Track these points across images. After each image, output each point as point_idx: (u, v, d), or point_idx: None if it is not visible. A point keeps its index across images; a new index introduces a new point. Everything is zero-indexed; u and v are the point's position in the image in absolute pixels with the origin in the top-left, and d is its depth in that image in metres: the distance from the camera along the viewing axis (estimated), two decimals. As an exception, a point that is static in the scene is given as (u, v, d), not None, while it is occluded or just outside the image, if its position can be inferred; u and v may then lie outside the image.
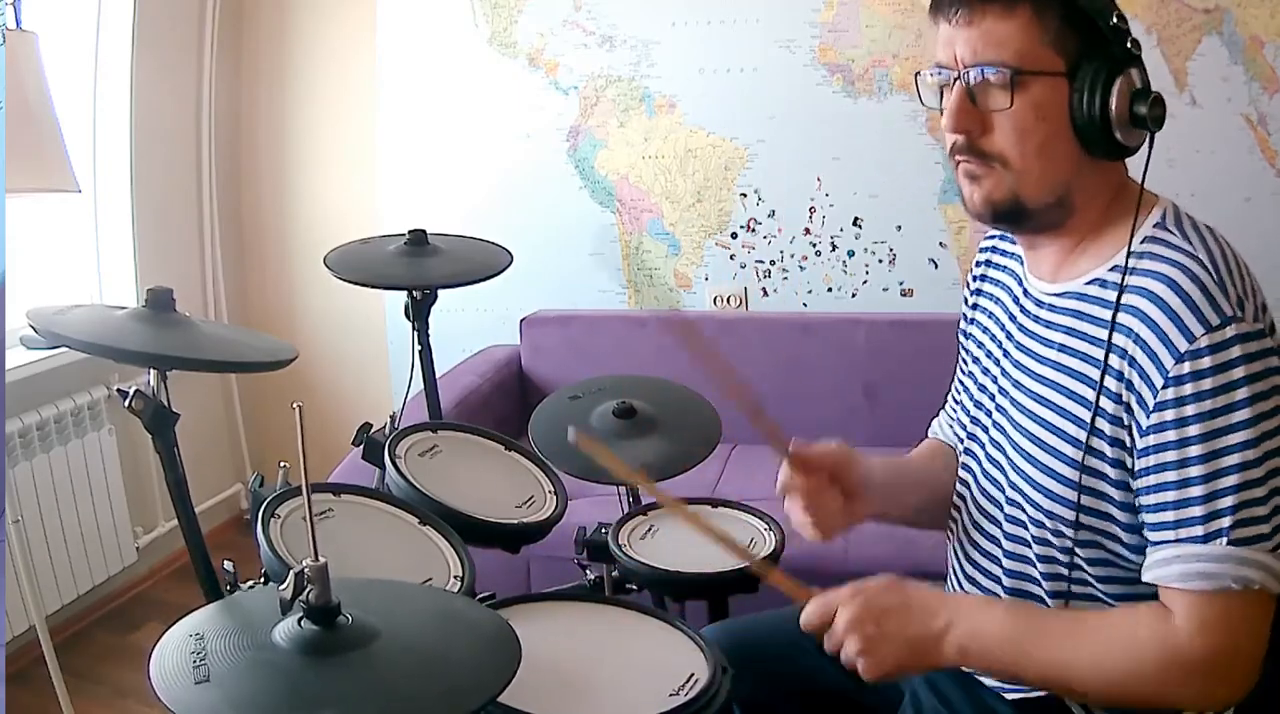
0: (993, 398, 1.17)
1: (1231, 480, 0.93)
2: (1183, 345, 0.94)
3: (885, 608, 1.03)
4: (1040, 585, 1.10)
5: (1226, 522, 0.93)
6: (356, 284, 1.84)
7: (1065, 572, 1.07)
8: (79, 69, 2.71)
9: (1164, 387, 0.95)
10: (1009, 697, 1.13)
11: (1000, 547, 1.14)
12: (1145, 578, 0.99)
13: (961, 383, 1.28)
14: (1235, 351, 0.93)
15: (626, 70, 2.93)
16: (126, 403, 1.35)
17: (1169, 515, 0.96)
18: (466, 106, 3.04)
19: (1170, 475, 0.96)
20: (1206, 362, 0.94)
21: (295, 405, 0.90)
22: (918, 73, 1.12)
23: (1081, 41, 1.00)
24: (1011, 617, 1.04)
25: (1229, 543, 0.93)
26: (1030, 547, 1.09)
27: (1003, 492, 1.13)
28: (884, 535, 1.89)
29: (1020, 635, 1.01)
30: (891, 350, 2.72)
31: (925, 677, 1.21)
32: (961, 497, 1.22)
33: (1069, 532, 1.04)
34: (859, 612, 1.02)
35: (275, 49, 3.17)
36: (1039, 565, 1.09)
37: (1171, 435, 0.95)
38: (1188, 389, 0.94)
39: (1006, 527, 1.13)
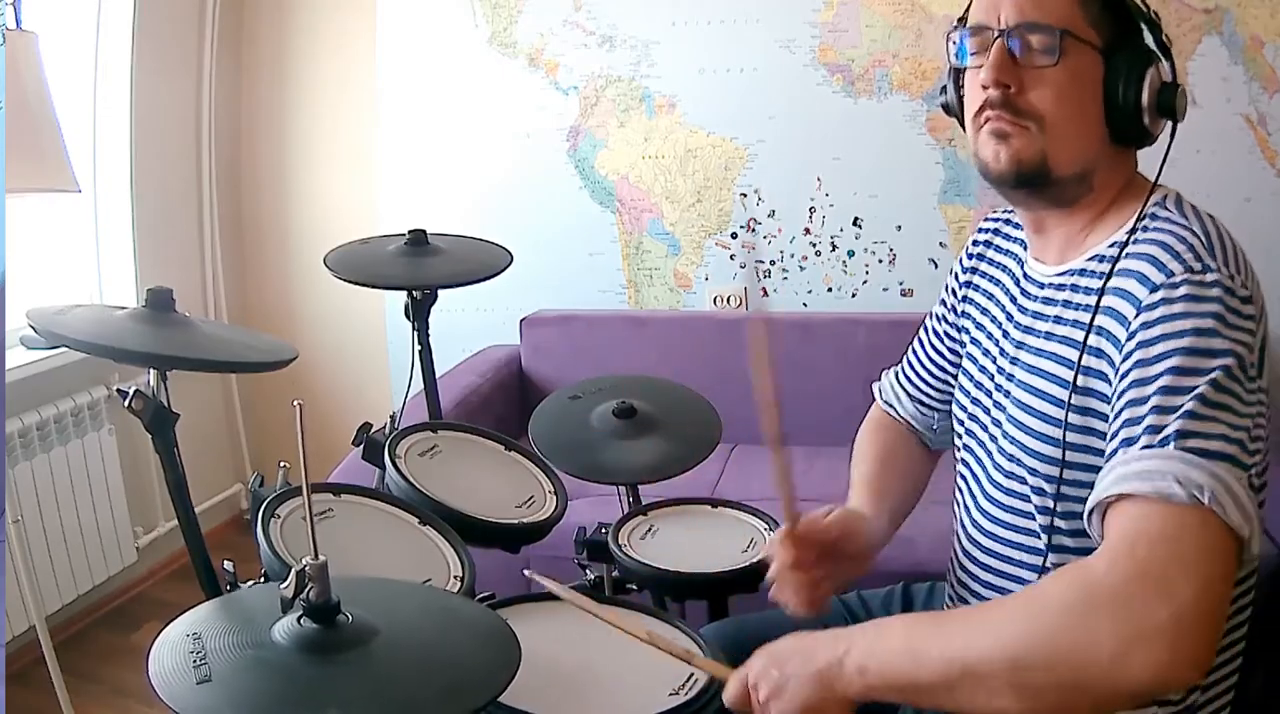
0: (992, 378, 1.17)
1: (1189, 403, 0.87)
2: (1159, 279, 0.94)
3: (788, 653, 0.99)
4: (1046, 558, 1.08)
5: (1174, 427, 0.85)
6: (356, 284, 1.84)
7: (1069, 543, 1.05)
8: (79, 69, 2.71)
9: (1136, 315, 0.94)
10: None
11: (1003, 525, 1.14)
12: (1086, 507, 0.90)
13: (938, 360, 1.32)
14: (1214, 292, 0.91)
15: (626, 70, 2.94)
16: (126, 403, 1.35)
17: (1120, 434, 0.90)
18: (466, 106, 3.04)
19: (1129, 394, 0.91)
20: (1181, 291, 0.92)
21: (295, 403, 0.90)
22: (949, 31, 1.13)
23: (1119, 27, 1.03)
24: (908, 620, 1.02)
25: (1176, 447, 0.84)
26: (1034, 519, 1.09)
27: (1002, 467, 1.13)
28: (884, 535, 1.90)
29: (916, 633, 0.92)
30: (891, 350, 2.68)
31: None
32: (964, 477, 1.22)
33: (1070, 491, 1.03)
34: (764, 663, 0.99)
35: (275, 49, 3.17)
36: (1042, 536, 1.08)
37: (1135, 357, 0.92)
38: (1158, 312, 0.92)
39: (1008, 501, 1.12)
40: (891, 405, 1.42)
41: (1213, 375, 0.87)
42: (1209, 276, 0.92)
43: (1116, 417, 0.92)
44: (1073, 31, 1.01)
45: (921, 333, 1.39)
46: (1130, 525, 0.83)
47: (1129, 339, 0.94)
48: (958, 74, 1.14)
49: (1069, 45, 1.01)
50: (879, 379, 1.47)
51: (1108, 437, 0.94)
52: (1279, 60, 2.58)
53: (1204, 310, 0.90)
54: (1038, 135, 1.03)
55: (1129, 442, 0.88)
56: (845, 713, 0.94)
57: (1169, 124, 1.05)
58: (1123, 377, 0.93)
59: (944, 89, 1.19)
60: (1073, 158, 1.04)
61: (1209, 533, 0.81)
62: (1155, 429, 0.86)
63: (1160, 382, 0.89)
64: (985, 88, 1.04)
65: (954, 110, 1.18)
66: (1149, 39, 1.05)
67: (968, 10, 1.12)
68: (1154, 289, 0.93)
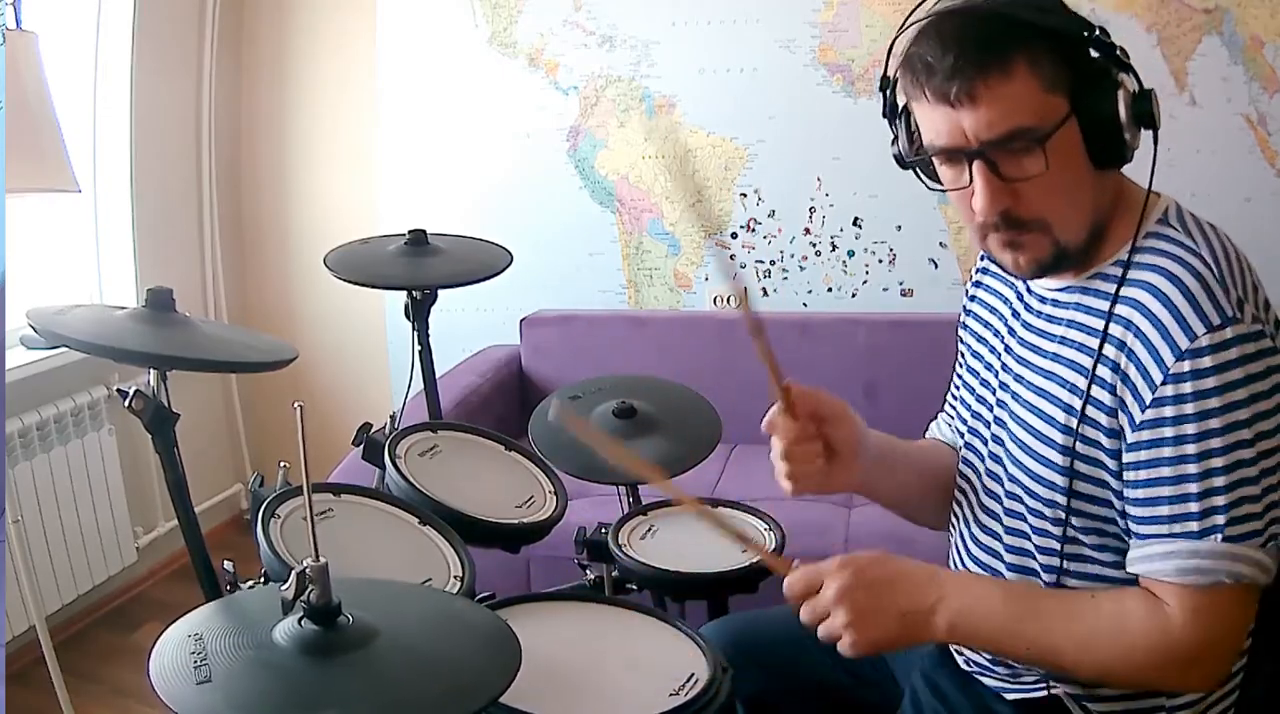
0: (994, 392, 1.17)
1: (1227, 479, 0.94)
2: (1184, 343, 0.94)
3: (876, 579, 1.01)
4: (1040, 577, 1.09)
5: (1222, 519, 0.94)
6: (356, 284, 1.84)
7: (1060, 564, 1.06)
8: (79, 69, 2.71)
9: (1163, 383, 0.95)
10: (1008, 697, 1.14)
11: (1001, 542, 1.14)
12: (1133, 569, 1.00)
13: (961, 380, 1.28)
14: (1234, 352, 0.94)
15: (626, 70, 2.93)
16: (126, 403, 1.35)
17: (1163, 510, 0.96)
18: (466, 106, 3.04)
19: (1165, 471, 0.96)
20: (1207, 361, 0.94)
21: (296, 405, 0.90)
22: (900, 157, 1.09)
23: (1074, 71, 0.97)
24: (1002, 594, 1.05)
25: (1224, 539, 0.94)
26: (1030, 539, 1.09)
27: (1002, 485, 1.13)
28: (884, 535, 1.90)
29: (1010, 615, 1.02)
30: (891, 350, 2.72)
31: (925, 675, 1.21)
32: (962, 491, 1.22)
33: (1064, 517, 1.04)
34: (850, 581, 1.00)
35: (275, 49, 3.17)
36: (1039, 557, 1.09)
37: (1168, 432, 0.95)
38: (1187, 387, 0.94)
39: (1006, 521, 1.13)
40: (936, 438, 1.37)
41: (1252, 448, 0.94)
42: (1228, 332, 0.94)
43: (1151, 478, 0.97)
44: (1047, 126, 0.95)
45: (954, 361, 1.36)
46: (1193, 603, 0.96)
47: (1155, 404, 0.96)
48: (910, 131, 1.07)
49: (1051, 141, 0.95)
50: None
51: (1127, 482, 0.99)
52: (1279, 60, 2.58)
53: (1230, 379, 0.94)
54: (1046, 233, 1.01)
55: (1177, 519, 0.96)
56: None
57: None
58: (1154, 445, 0.96)
59: (894, 141, 1.10)
60: (1081, 228, 1.02)
61: (1248, 600, 0.98)
62: (1202, 514, 0.95)
63: (1204, 464, 0.94)
64: (979, 215, 1.01)
65: (911, 168, 1.10)
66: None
67: (889, 88, 1.06)
68: (1179, 357, 0.94)
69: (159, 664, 0.83)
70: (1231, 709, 1.07)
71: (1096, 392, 1.00)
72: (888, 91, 1.08)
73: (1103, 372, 1.00)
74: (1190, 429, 0.94)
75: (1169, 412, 0.95)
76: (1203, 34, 2.60)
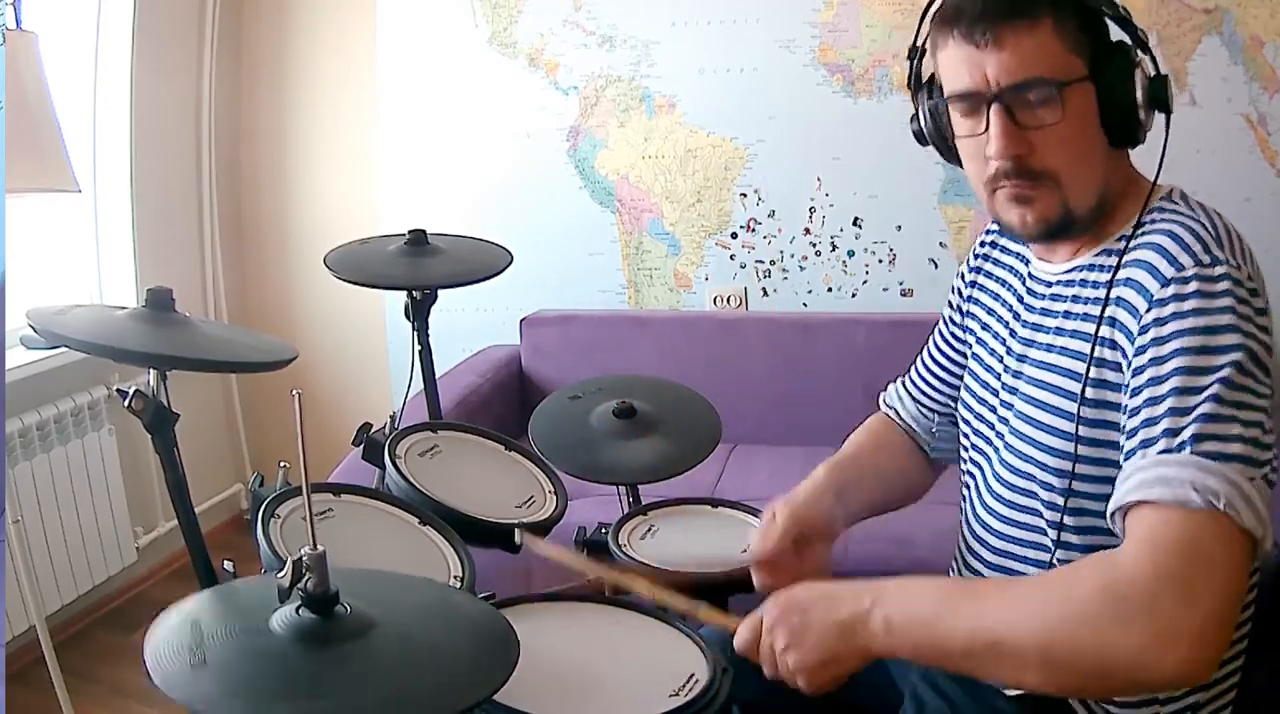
0: (999, 378, 1.17)
1: (1204, 404, 0.88)
2: (1170, 273, 0.94)
3: (807, 599, 1.00)
4: (1054, 554, 1.08)
5: (1190, 431, 0.87)
6: (356, 284, 1.84)
7: (1076, 540, 1.05)
8: (79, 69, 2.71)
9: (1148, 310, 0.94)
10: (1008, 693, 1.13)
11: (1010, 523, 1.13)
12: (1109, 508, 0.92)
13: (943, 362, 1.32)
14: (1224, 286, 0.92)
15: (626, 70, 2.94)
16: (126, 403, 1.35)
17: (1138, 437, 0.91)
18: (466, 106, 3.04)
19: (1144, 394, 0.92)
20: (1192, 286, 0.93)
21: (294, 392, 0.90)
22: (919, 120, 1.11)
23: (1096, 40, 1.01)
24: (937, 585, 1.00)
25: (1192, 452, 0.87)
26: (1041, 516, 1.09)
27: (1009, 467, 1.13)
28: (884, 535, 1.90)
29: (948, 600, 0.93)
30: (891, 350, 2.69)
31: (926, 676, 1.21)
32: (971, 476, 1.22)
33: (1079, 486, 1.03)
34: (782, 608, 1.00)
35: (275, 49, 3.17)
36: (1049, 532, 1.08)
37: (1149, 354, 0.93)
38: (1169, 309, 0.93)
39: (1016, 498, 1.12)
40: (894, 408, 1.41)
41: (1226, 372, 0.89)
42: (1218, 269, 0.93)
43: (1134, 413, 0.93)
44: (1067, 78, 0.98)
45: (931, 338, 1.39)
46: (1152, 530, 0.85)
47: (1141, 333, 0.94)
48: (931, 98, 1.11)
49: (1068, 93, 0.98)
50: (884, 389, 1.46)
51: (1123, 430, 0.95)
52: (1279, 60, 2.58)
53: (1215, 306, 0.91)
54: (1056, 189, 1.02)
55: (1147, 443, 0.90)
56: (860, 665, 0.97)
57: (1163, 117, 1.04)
58: (1137, 372, 0.94)
59: (914, 117, 1.14)
60: (1090, 193, 1.03)
61: (1225, 537, 0.84)
62: (1172, 432, 0.88)
63: (1174, 381, 0.90)
64: (993, 159, 1.02)
65: (930, 141, 1.14)
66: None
67: (916, 58, 1.09)
68: (1165, 283, 0.94)
69: (154, 647, 0.82)
70: (1230, 708, 1.07)
71: (1100, 351, 1.00)
72: (914, 61, 1.11)
73: (1104, 331, 1.00)
74: (1170, 346, 0.91)
75: (1150, 335, 0.93)
76: (1203, 34, 2.60)
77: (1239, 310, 0.91)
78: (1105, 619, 0.83)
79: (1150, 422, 0.90)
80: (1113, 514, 0.92)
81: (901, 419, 1.40)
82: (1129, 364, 0.96)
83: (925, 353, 1.38)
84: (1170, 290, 0.93)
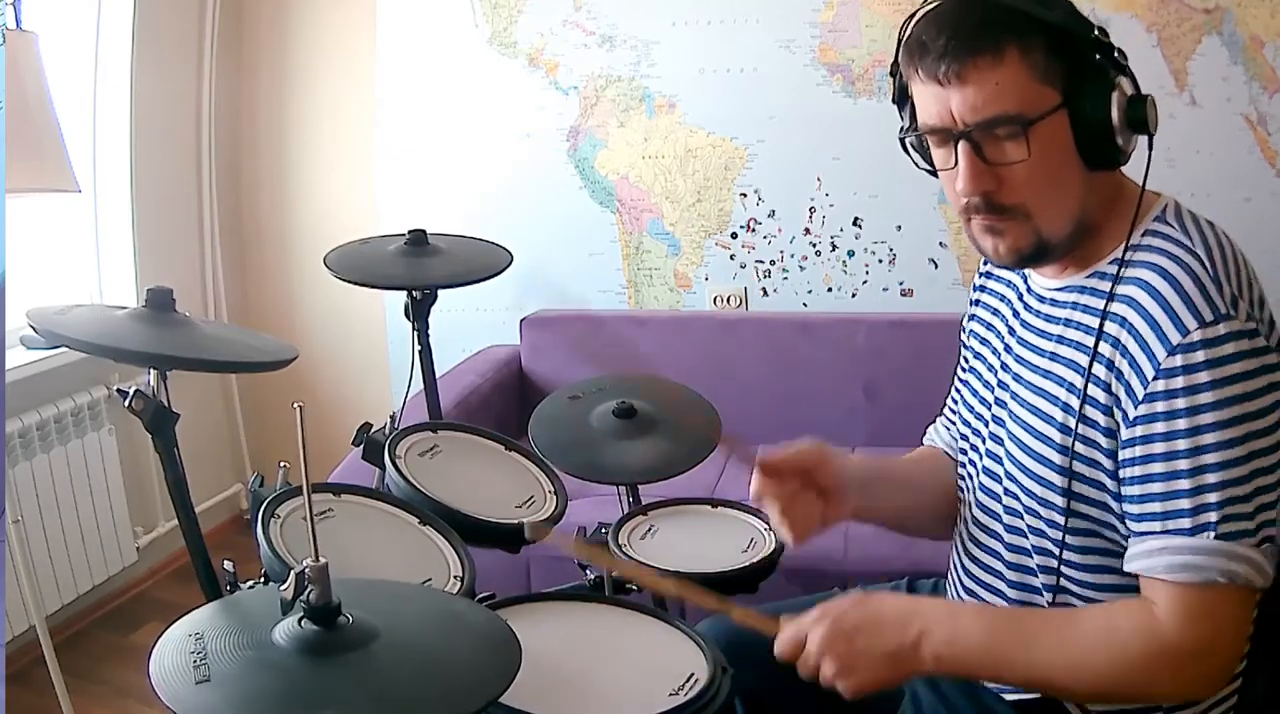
0: (993, 391, 1.17)
1: (1219, 476, 0.93)
2: (1175, 338, 0.95)
3: (855, 625, 1.02)
4: (1037, 577, 1.10)
5: (1214, 516, 0.93)
6: (356, 284, 1.84)
7: (1058, 567, 1.07)
8: (79, 69, 2.71)
9: (1155, 378, 0.95)
10: (1008, 698, 1.13)
11: (1001, 541, 1.14)
12: (1129, 568, 0.99)
13: (962, 383, 1.28)
14: (1228, 348, 0.94)
15: (626, 70, 2.93)
16: (126, 403, 1.35)
17: (1155, 507, 0.96)
18: (466, 106, 3.04)
19: (1157, 467, 0.96)
20: (1199, 356, 0.94)
21: (296, 405, 0.90)
22: (903, 139, 1.10)
23: (1069, 66, 0.98)
24: (985, 621, 1.05)
25: (1216, 537, 0.93)
26: (1027, 537, 1.09)
27: (999, 483, 1.13)
28: (884, 535, 1.89)
29: (997, 640, 1.02)
30: (891, 350, 2.72)
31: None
32: (962, 493, 1.22)
33: (1062, 521, 1.04)
34: (829, 633, 1.02)
35: (275, 49, 3.17)
36: (1035, 556, 1.09)
37: (1160, 427, 0.95)
38: (1179, 382, 0.94)
39: (1006, 520, 1.13)
40: (933, 440, 1.39)
41: (1243, 448, 0.93)
42: (1221, 328, 0.94)
43: (1146, 481, 0.97)
44: (1033, 114, 0.96)
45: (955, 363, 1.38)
46: (1186, 605, 0.95)
47: (1148, 401, 0.96)
48: (912, 122, 1.09)
49: (1036, 129, 0.97)
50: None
51: (1121, 479, 0.99)
52: (1279, 60, 2.58)
53: (1225, 375, 0.93)
54: (1027, 221, 1.02)
55: (1169, 516, 0.96)
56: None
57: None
58: (1146, 441, 0.96)
59: (902, 130, 1.12)
60: (1064, 221, 1.02)
61: (1244, 601, 0.97)
62: (1193, 511, 0.94)
63: (1191, 460, 0.94)
64: (960, 194, 1.02)
65: (913, 152, 1.13)
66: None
67: (898, 74, 1.07)
68: (1171, 351, 0.95)
69: (159, 664, 0.83)
70: (1231, 712, 1.07)
71: (1093, 390, 1.01)
72: (896, 77, 1.09)
73: (1098, 370, 1.00)
74: (1182, 424, 0.94)
75: (1161, 407, 0.95)
76: (1203, 34, 2.60)
77: (1245, 368, 0.93)
78: (1154, 674, 0.97)
79: (1169, 496, 0.96)
80: (1133, 563, 0.99)
81: (937, 443, 1.38)
82: (1129, 419, 0.98)
83: (954, 381, 1.35)
84: (1178, 360, 0.94)
